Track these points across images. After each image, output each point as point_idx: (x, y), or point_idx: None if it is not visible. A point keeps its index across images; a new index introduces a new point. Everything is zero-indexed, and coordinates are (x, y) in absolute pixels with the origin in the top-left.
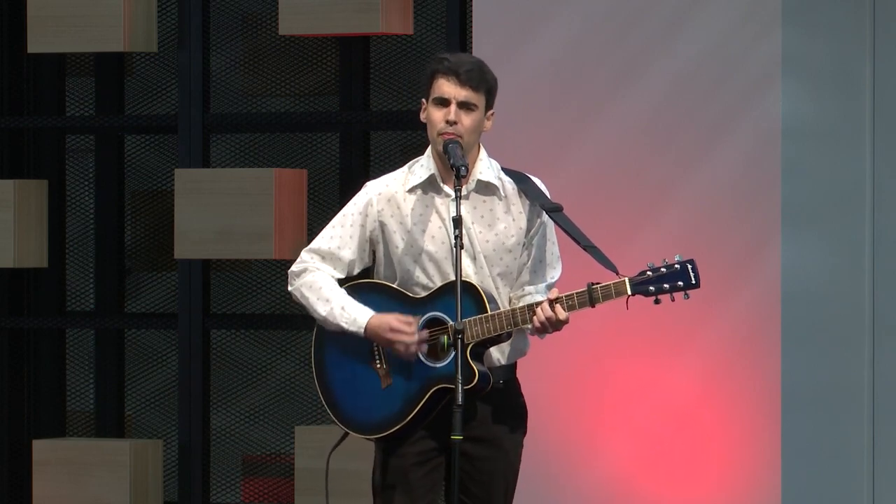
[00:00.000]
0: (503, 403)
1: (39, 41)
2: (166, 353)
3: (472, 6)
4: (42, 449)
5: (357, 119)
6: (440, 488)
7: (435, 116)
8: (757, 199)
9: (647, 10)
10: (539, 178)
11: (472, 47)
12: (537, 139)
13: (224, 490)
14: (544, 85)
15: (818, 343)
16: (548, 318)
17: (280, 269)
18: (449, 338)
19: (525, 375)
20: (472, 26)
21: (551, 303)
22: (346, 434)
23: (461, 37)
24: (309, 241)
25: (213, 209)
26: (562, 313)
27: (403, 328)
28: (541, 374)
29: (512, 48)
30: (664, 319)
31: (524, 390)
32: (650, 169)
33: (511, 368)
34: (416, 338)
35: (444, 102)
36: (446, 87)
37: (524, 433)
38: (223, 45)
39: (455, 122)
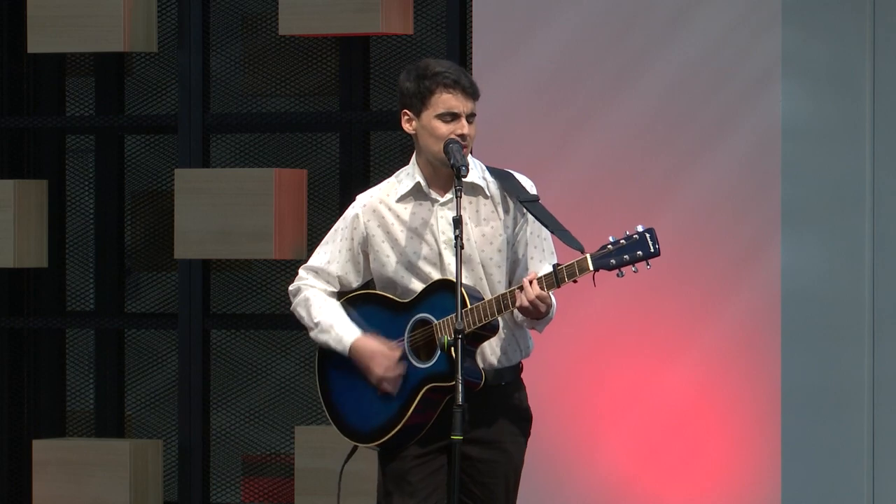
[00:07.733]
0: (506, 405)
1: (39, 41)
2: (166, 353)
3: (472, 6)
4: (42, 449)
5: (357, 119)
6: (444, 490)
7: (442, 130)
8: (757, 199)
9: (646, 11)
10: (539, 178)
11: (472, 47)
12: (537, 139)
13: (224, 490)
14: (544, 85)
15: (818, 343)
16: (537, 296)
17: (280, 269)
18: (450, 337)
19: (525, 374)
20: (472, 26)
21: (531, 283)
22: (355, 447)
23: (461, 37)
24: (309, 242)
25: (213, 209)
26: (537, 290)
27: (381, 359)
28: (541, 373)
29: (512, 48)
30: (664, 319)
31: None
32: (650, 169)
33: (514, 369)
34: (393, 373)
35: (454, 117)
36: (453, 101)
37: (527, 436)
38: (223, 46)
39: (467, 136)
